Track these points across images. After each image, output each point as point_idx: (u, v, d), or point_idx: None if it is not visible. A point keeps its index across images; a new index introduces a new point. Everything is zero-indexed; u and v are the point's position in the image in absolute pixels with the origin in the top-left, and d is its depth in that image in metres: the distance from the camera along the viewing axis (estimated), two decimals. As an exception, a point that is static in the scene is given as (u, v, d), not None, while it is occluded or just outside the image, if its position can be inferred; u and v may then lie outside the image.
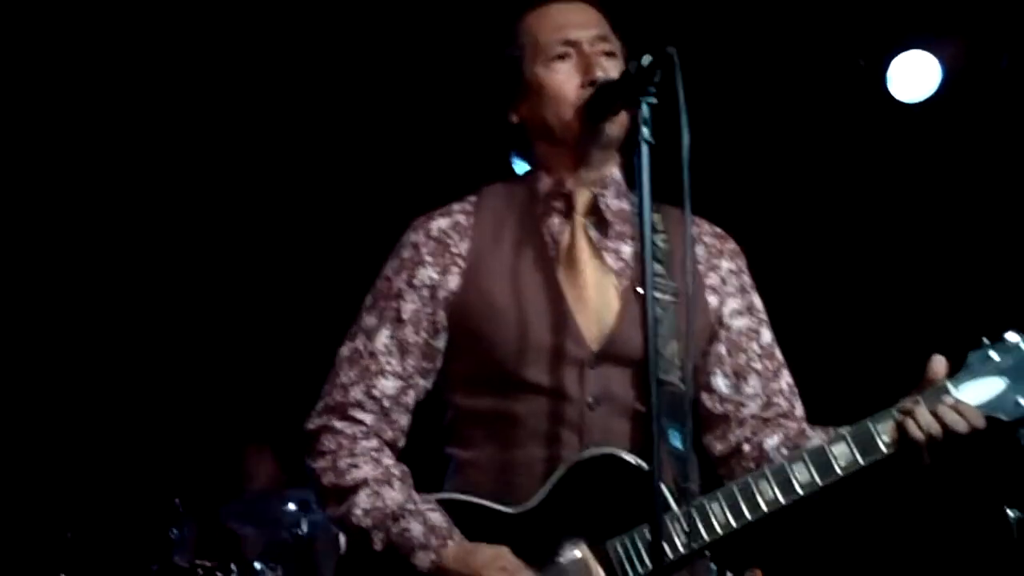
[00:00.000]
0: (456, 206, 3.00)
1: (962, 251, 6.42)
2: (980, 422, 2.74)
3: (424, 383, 2.92)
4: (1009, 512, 4.83)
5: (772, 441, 2.93)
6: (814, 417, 3.02)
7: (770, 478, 2.75)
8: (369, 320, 2.93)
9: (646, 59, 2.61)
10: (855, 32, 6.09)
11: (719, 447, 2.95)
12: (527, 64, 2.93)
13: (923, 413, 2.74)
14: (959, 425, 2.73)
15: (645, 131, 2.56)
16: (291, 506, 6.12)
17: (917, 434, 2.73)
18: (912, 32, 6.06)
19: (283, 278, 7.08)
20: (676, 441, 2.68)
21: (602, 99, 2.82)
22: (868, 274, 6.55)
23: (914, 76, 6.11)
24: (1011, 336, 2.81)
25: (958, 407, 2.74)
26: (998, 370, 2.79)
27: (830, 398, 3.33)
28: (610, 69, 2.85)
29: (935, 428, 2.73)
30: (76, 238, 6.76)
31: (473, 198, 3.01)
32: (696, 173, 2.57)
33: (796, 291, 6.07)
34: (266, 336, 7.02)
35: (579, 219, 2.94)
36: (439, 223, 2.96)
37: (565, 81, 2.89)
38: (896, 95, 6.15)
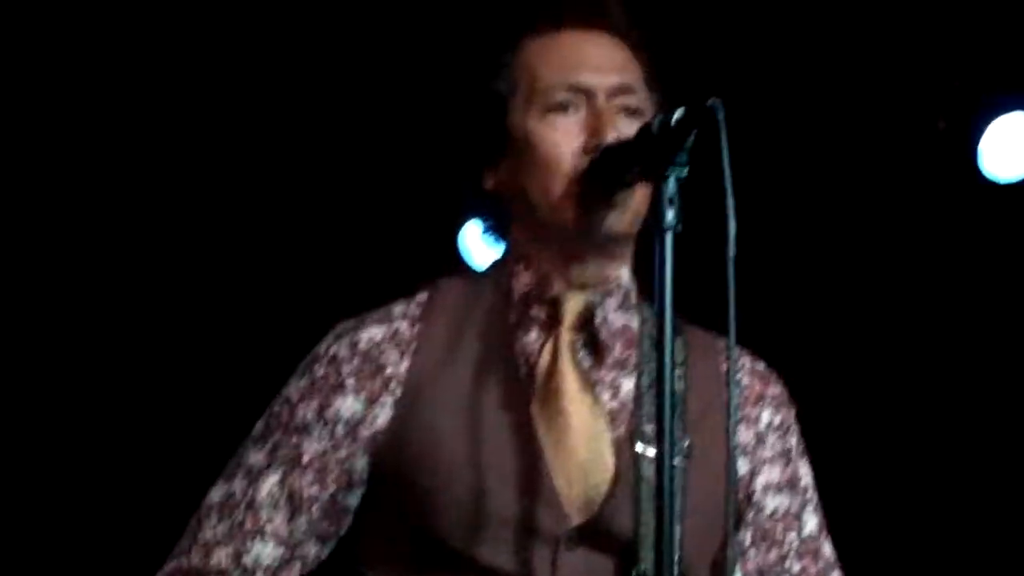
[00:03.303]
0: (398, 308, 2.67)
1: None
2: None
3: (318, 552, 2.62)
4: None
5: None
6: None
7: None
8: (255, 456, 2.60)
9: (678, 114, 2.29)
10: (935, 86, 5.74)
11: None
12: (516, 110, 2.61)
13: None
14: None
15: (670, 215, 2.28)
16: None
17: None
18: (1013, 89, 5.72)
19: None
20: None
21: (610, 168, 2.48)
22: (955, 384, 6.14)
23: (1012, 147, 5.73)
24: None
25: None
26: None
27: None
28: (630, 132, 2.53)
29: None
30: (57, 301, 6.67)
31: (423, 296, 2.69)
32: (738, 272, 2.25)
33: (869, 412, 5.78)
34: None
35: (565, 336, 2.60)
36: (371, 332, 2.62)
37: (562, 141, 2.56)
38: (988, 170, 5.77)
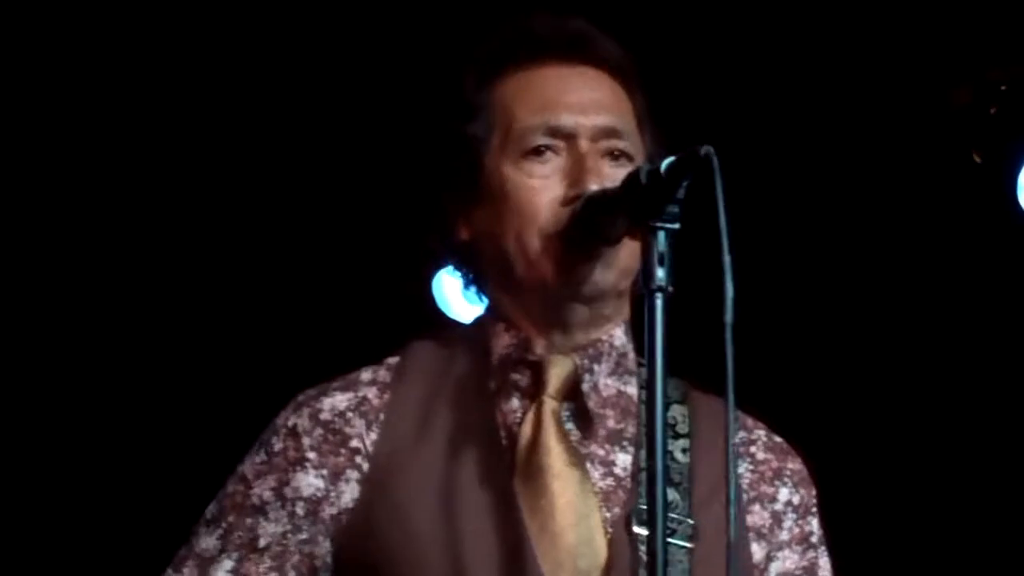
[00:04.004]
0: (365, 374, 2.53)
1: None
2: None
3: None
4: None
5: None
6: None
7: None
8: (207, 541, 2.46)
9: (668, 162, 2.18)
10: (969, 115, 5.51)
11: None
12: (491, 153, 2.47)
13: None
14: None
15: (661, 274, 2.16)
16: None
17: None
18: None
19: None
20: None
21: (593, 221, 2.34)
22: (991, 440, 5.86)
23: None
24: None
25: None
26: None
27: None
28: (616, 179, 2.39)
29: None
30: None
31: (393, 360, 2.55)
32: (745, 334, 2.09)
33: (902, 487, 5.55)
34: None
35: (550, 403, 2.44)
36: (335, 401, 2.48)
37: (539, 190, 2.42)
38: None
